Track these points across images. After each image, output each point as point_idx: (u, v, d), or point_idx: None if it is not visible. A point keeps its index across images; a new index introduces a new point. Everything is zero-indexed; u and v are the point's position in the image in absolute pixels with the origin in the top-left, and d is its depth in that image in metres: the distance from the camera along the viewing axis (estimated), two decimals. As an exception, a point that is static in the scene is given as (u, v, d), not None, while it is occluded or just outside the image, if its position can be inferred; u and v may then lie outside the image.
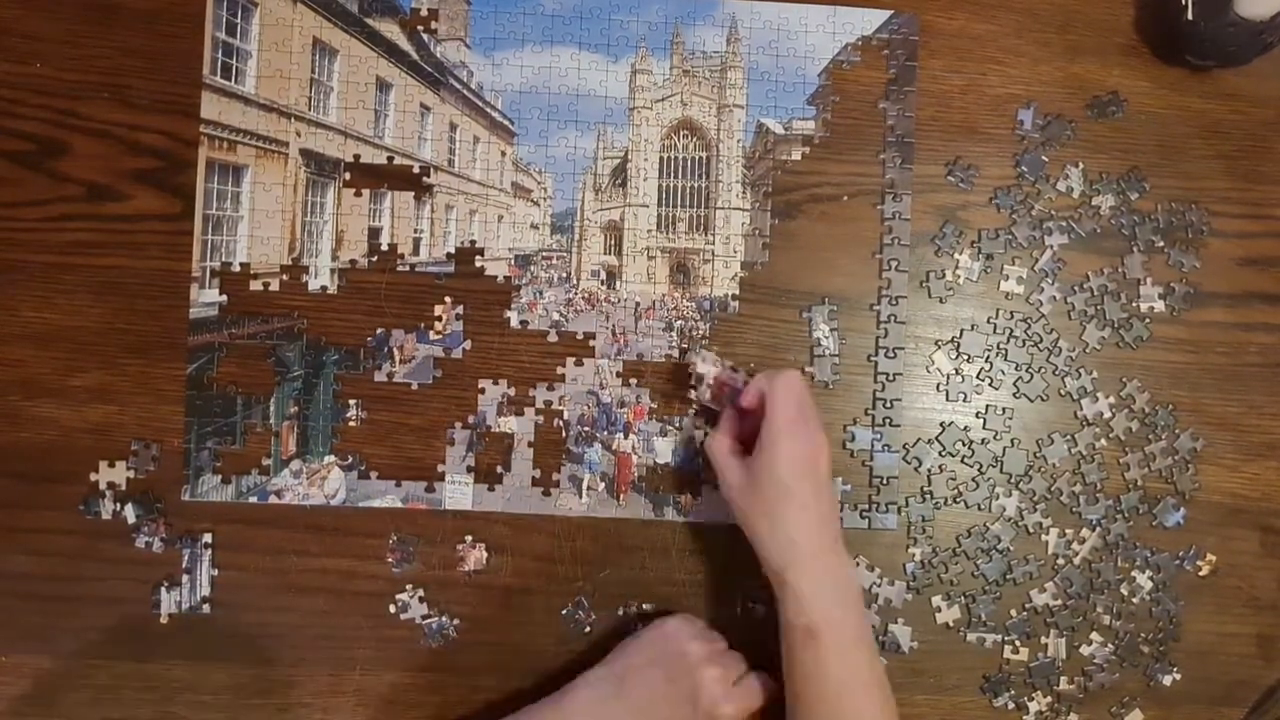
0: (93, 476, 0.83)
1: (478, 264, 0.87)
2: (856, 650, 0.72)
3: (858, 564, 0.86)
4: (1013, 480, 0.88)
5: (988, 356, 0.88)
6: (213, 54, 0.85)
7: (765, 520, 0.73)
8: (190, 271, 0.84)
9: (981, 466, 0.88)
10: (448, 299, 0.86)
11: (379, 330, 0.86)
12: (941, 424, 0.88)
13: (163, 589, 0.83)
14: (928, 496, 0.87)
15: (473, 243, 0.88)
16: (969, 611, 0.87)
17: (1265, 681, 0.89)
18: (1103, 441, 0.88)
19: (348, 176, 0.86)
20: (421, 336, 0.86)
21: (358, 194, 0.87)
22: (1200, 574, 0.88)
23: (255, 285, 0.85)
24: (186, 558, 0.83)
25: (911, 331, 0.88)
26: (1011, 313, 0.88)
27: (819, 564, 0.72)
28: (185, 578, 0.83)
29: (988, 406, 0.88)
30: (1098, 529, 0.88)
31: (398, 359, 0.86)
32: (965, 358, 0.88)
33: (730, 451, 0.77)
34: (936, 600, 0.87)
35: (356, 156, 0.87)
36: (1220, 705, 0.88)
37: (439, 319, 0.87)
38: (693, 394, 0.83)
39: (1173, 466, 0.88)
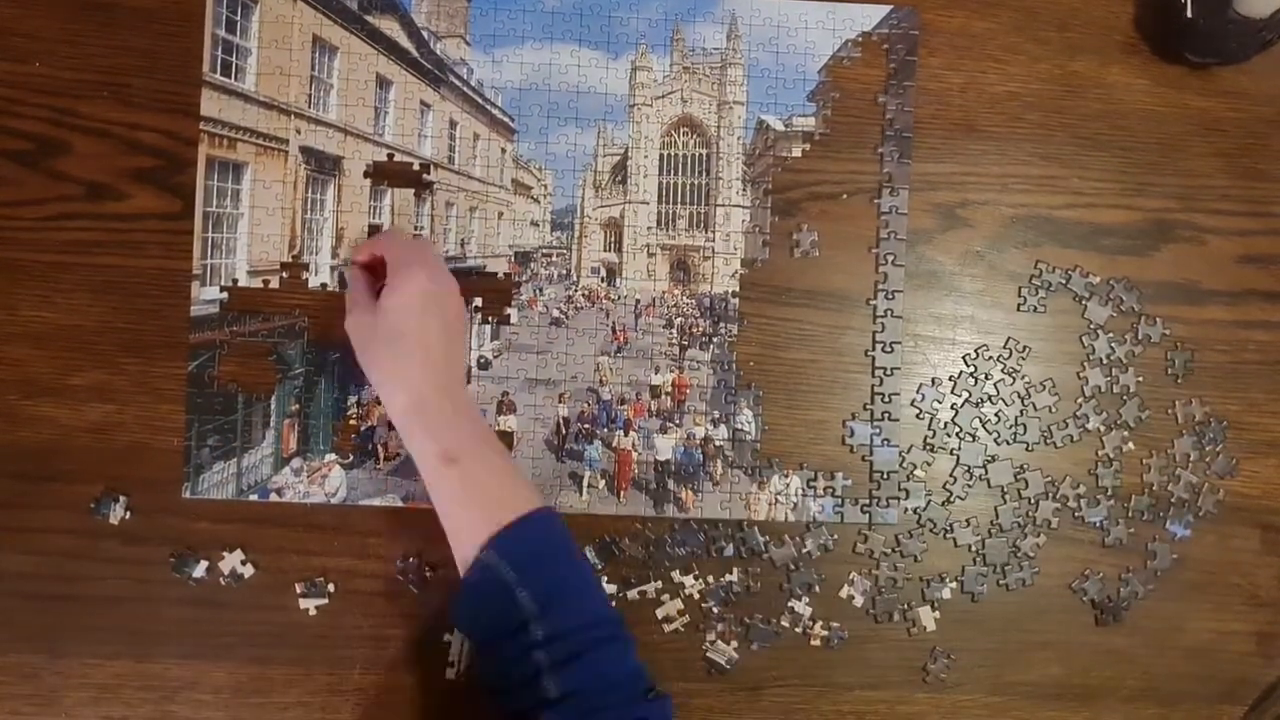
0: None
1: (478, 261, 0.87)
2: (505, 474, 0.71)
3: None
4: (1013, 477, 0.88)
5: (987, 355, 0.88)
6: (212, 51, 0.84)
7: (387, 354, 0.72)
8: (190, 270, 0.84)
9: (982, 463, 0.88)
10: None
11: (364, 427, 0.85)
12: (941, 421, 0.88)
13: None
14: (931, 491, 0.87)
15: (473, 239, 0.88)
16: (970, 608, 0.87)
17: (1265, 679, 0.89)
18: (1104, 439, 0.88)
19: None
20: None
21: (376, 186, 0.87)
22: (1200, 571, 0.88)
23: (256, 283, 0.85)
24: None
25: (911, 329, 0.88)
26: (1012, 310, 0.89)
27: (446, 399, 0.71)
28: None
29: (988, 403, 0.88)
30: (1103, 533, 0.88)
31: (382, 456, 0.85)
32: (965, 356, 0.88)
33: (369, 286, 0.76)
34: (937, 597, 0.87)
35: (390, 155, 0.87)
36: (1220, 703, 0.88)
37: None
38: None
39: (1177, 469, 0.89)
